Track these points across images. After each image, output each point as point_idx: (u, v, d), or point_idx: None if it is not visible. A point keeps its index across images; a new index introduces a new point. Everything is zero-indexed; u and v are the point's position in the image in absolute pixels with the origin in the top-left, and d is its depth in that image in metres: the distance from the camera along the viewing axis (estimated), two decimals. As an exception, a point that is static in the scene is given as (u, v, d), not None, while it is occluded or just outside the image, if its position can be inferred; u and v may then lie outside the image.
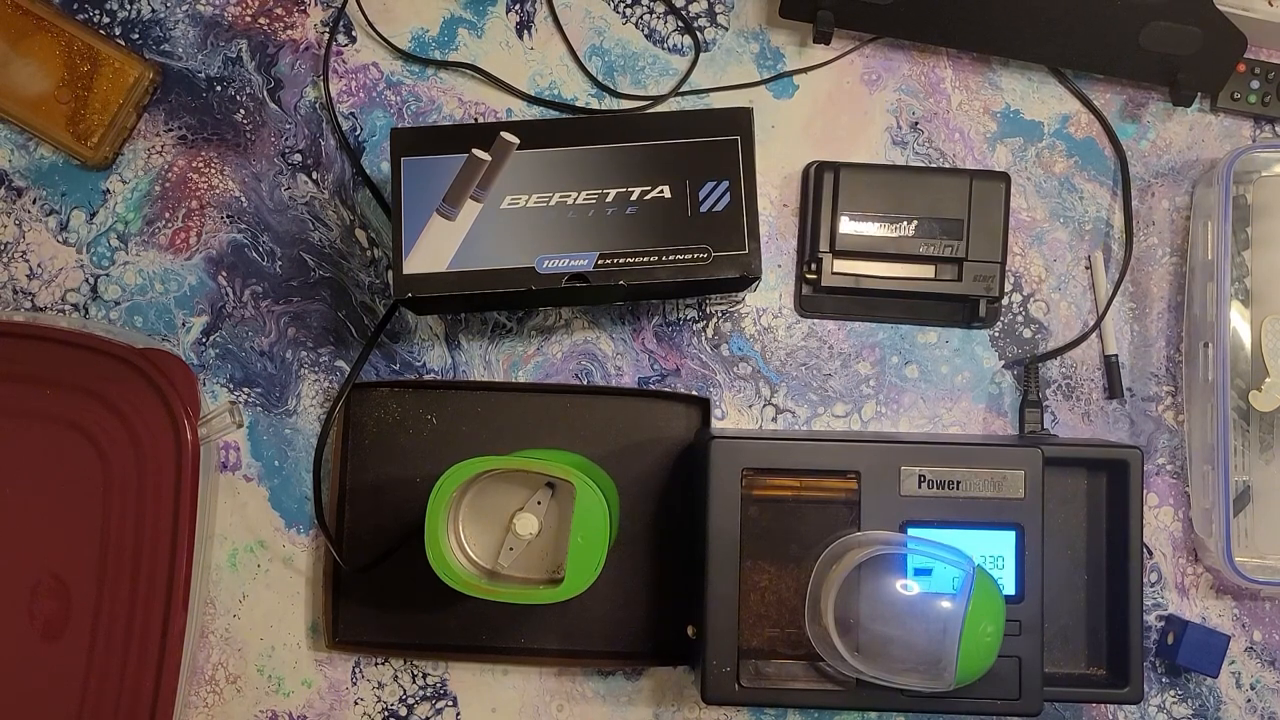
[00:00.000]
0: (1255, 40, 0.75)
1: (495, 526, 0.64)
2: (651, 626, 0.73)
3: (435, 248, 0.66)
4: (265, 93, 0.76)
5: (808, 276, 0.75)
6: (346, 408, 0.73)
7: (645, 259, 0.66)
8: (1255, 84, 0.76)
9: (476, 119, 0.76)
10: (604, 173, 0.67)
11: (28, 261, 0.75)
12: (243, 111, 0.76)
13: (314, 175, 0.76)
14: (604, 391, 0.74)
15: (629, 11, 0.77)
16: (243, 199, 0.75)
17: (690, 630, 0.68)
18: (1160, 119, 0.78)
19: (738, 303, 0.76)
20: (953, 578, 0.63)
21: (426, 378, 0.75)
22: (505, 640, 0.73)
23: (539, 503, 0.64)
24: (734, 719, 0.75)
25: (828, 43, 0.74)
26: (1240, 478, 0.74)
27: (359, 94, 0.76)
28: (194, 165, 0.75)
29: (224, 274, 0.75)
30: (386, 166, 0.75)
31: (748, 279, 0.68)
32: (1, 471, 0.66)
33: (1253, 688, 0.75)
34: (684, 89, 0.76)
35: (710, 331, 0.75)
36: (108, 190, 0.75)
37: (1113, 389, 0.76)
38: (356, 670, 0.74)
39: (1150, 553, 0.75)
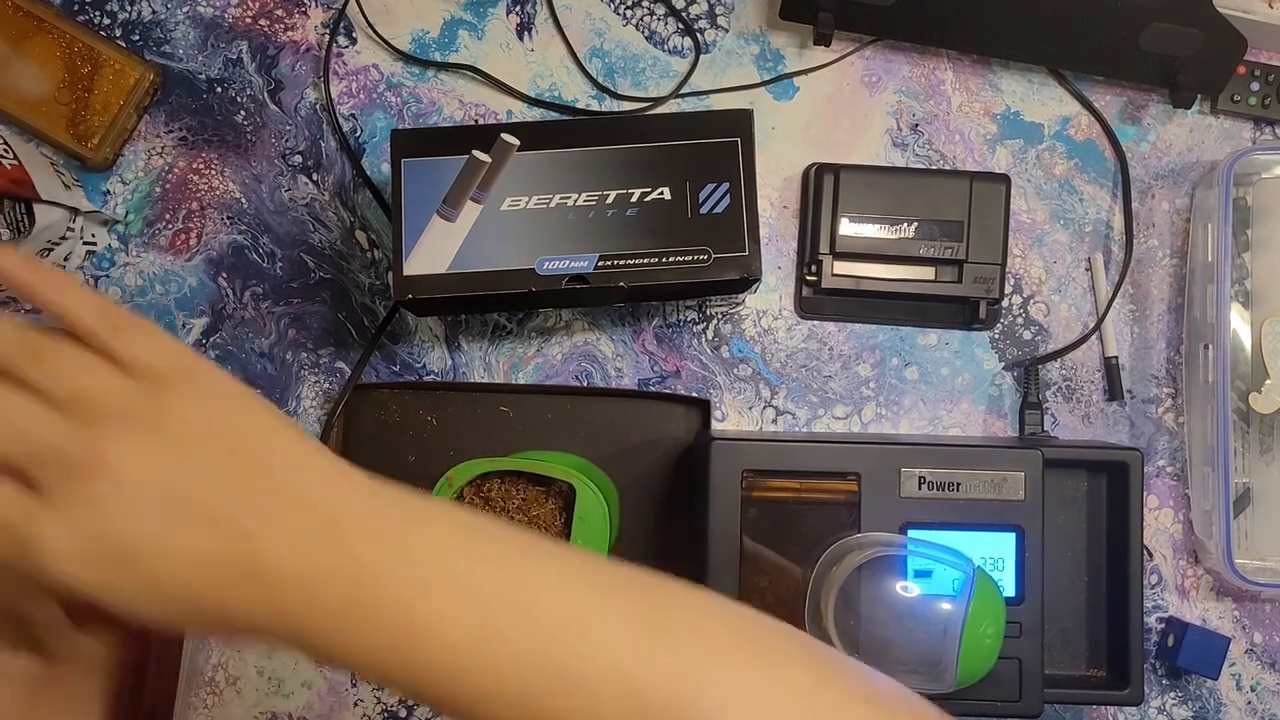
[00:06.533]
0: (1255, 42, 0.75)
1: (495, 528, 0.64)
2: (651, 628, 0.73)
3: (435, 249, 0.66)
4: (266, 94, 0.76)
5: (808, 278, 0.75)
6: (347, 409, 0.73)
7: (646, 261, 0.66)
8: (1255, 86, 0.76)
9: (477, 121, 0.76)
10: (604, 174, 0.67)
11: (28, 263, 0.75)
12: (243, 113, 0.76)
13: (314, 177, 0.76)
14: (604, 393, 0.74)
15: (629, 13, 0.77)
16: (243, 200, 0.75)
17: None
18: (1160, 121, 0.78)
19: (738, 304, 0.76)
20: (953, 579, 0.63)
21: (427, 379, 0.75)
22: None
23: (539, 504, 0.64)
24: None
25: (828, 44, 0.74)
26: (1240, 480, 0.74)
27: (359, 95, 0.76)
28: (194, 167, 0.75)
29: (224, 275, 0.75)
30: (387, 168, 0.74)
31: (748, 280, 0.68)
32: (1, 473, 0.66)
33: (1253, 690, 0.75)
34: (684, 91, 0.76)
35: (710, 333, 0.75)
36: (108, 192, 0.75)
37: (1113, 391, 0.76)
38: (356, 672, 0.74)
39: (1150, 555, 0.75)
